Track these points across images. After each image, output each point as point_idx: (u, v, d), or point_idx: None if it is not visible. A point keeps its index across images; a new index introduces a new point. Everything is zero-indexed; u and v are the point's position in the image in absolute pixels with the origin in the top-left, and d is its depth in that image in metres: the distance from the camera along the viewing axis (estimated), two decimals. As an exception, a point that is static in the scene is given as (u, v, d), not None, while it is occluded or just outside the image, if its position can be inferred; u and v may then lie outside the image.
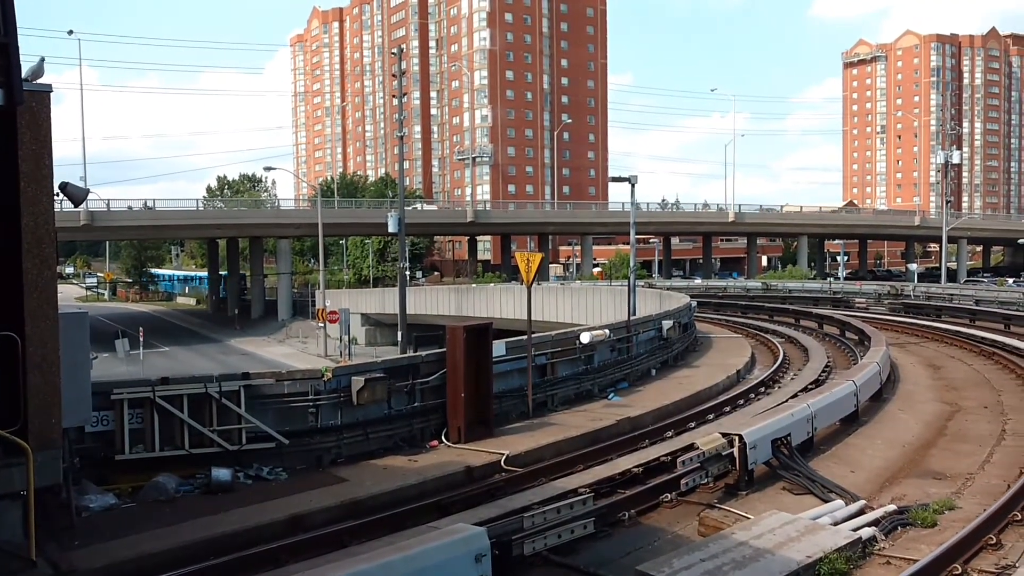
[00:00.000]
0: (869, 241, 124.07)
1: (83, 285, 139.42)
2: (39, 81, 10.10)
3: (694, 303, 36.51)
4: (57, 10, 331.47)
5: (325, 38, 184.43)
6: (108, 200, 73.31)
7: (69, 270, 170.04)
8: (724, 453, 13.80)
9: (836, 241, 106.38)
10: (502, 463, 15.32)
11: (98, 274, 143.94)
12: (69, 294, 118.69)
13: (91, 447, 13.78)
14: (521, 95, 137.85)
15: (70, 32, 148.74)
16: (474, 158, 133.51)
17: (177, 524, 11.91)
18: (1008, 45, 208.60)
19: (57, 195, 10.78)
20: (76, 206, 13.50)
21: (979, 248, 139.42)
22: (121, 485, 13.62)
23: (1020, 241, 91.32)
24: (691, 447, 14.19)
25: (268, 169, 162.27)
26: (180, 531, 11.63)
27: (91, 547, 11.05)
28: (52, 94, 9.98)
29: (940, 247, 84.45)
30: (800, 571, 9.48)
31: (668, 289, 52.63)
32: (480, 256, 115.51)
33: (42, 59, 10.75)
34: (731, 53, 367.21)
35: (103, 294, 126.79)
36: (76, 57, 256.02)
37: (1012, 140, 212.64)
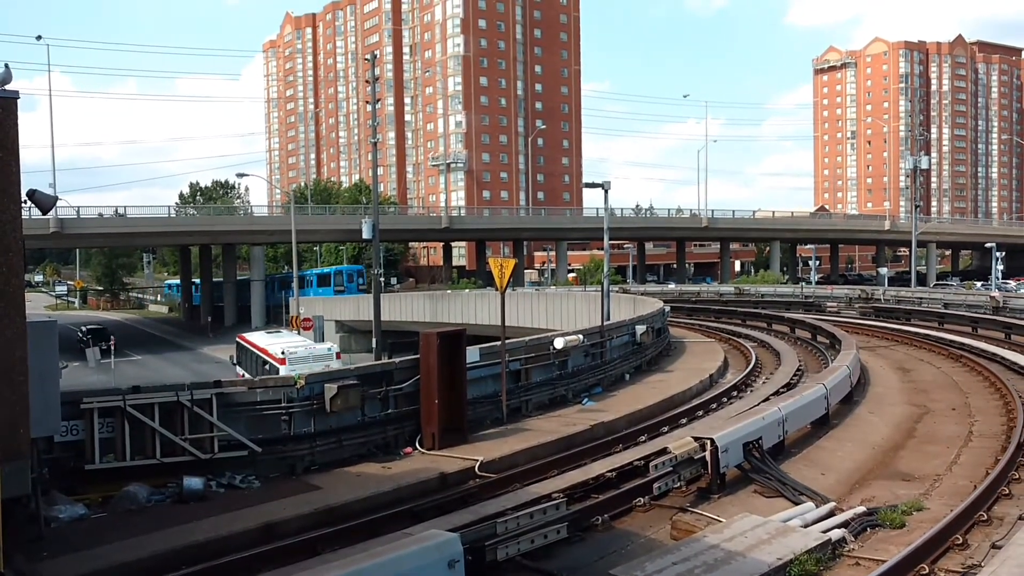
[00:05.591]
0: (840, 245, 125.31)
1: (53, 293, 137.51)
2: (7, 87, 10.01)
3: (667, 308, 36.75)
4: (31, 15, 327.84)
5: (298, 44, 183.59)
6: (78, 207, 72.82)
7: (39, 278, 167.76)
8: (696, 457, 13.90)
9: (808, 246, 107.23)
10: (476, 469, 15.34)
11: (68, 282, 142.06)
12: (39, 302, 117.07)
13: (60, 457, 13.65)
14: (495, 101, 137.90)
15: (39, 37, 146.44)
16: (448, 164, 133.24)
17: (148, 534, 11.81)
18: (974, 52, 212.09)
19: (25, 202, 10.68)
20: (44, 213, 13.38)
21: (948, 252, 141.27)
22: (91, 495, 13.48)
23: (987, 245, 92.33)
24: (664, 451, 14.26)
25: (241, 176, 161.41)
26: (151, 541, 11.53)
27: (60, 558, 10.95)
28: (20, 100, 9.89)
29: (910, 251, 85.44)
30: (771, 573, 9.59)
31: (642, 294, 52.90)
32: (455, 262, 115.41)
33: (6, 65, 10.67)
34: (708, 60, 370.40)
35: (73, 302, 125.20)
36: (48, 62, 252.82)
37: (979, 145, 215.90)
